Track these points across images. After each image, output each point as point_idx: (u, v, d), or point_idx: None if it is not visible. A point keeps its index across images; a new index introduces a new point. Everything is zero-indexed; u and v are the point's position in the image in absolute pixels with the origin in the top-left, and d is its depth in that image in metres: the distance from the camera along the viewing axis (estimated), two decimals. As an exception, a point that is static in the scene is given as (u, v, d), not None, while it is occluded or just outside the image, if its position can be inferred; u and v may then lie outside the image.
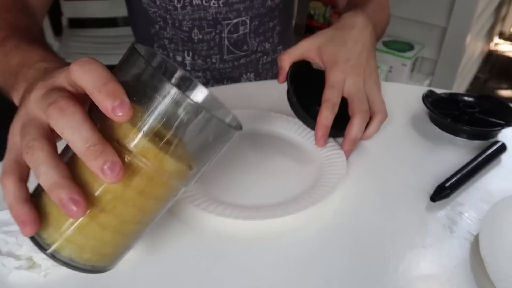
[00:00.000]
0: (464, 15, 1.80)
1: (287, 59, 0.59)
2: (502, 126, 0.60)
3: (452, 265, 0.43)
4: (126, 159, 0.29)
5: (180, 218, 0.46)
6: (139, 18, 0.79)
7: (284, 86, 0.58)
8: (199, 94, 0.38)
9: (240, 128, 0.33)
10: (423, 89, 0.66)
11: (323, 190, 0.49)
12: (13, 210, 0.30)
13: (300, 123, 0.59)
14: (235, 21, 0.75)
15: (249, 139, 0.59)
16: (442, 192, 0.50)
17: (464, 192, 0.52)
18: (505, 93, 2.49)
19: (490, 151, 0.56)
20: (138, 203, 0.31)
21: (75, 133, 0.28)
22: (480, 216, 0.48)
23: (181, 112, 0.29)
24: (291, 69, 0.58)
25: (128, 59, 0.30)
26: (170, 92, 0.28)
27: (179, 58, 0.79)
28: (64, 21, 1.90)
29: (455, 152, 0.58)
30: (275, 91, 0.64)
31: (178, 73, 0.38)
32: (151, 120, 0.29)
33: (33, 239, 0.31)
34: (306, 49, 0.58)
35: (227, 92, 0.72)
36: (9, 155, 0.32)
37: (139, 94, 0.29)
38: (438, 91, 0.66)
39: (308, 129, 0.58)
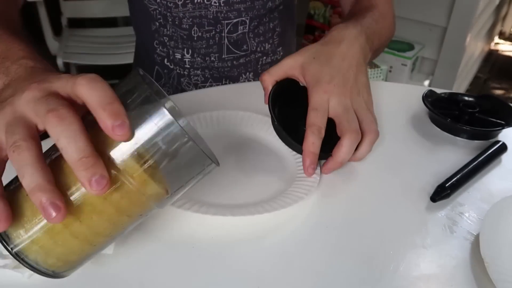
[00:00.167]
0: (464, 15, 1.81)
1: (268, 79, 0.55)
2: (502, 126, 0.60)
3: (452, 265, 0.43)
4: (112, 174, 0.30)
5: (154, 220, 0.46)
6: (140, 14, 0.79)
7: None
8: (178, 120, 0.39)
9: (218, 164, 0.35)
10: (423, 89, 0.66)
11: (300, 191, 0.48)
12: None
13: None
14: (235, 20, 0.75)
15: (227, 141, 0.57)
16: (442, 192, 0.50)
17: (464, 192, 0.52)
18: (505, 93, 2.49)
19: (490, 151, 0.56)
20: (113, 218, 0.32)
21: (70, 143, 0.29)
22: (481, 216, 0.48)
23: (173, 141, 0.31)
24: (275, 87, 0.55)
25: (130, 83, 0.32)
26: (167, 121, 0.30)
27: (178, 56, 0.79)
28: (64, 21, 1.90)
29: (455, 152, 0.58)
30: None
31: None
32: (143, 143, 0.31)
33: None
34: (289, 67, 0.55)
35: (224, 91, 0.72)
36: None
37: (136, 116, 0.31)
38: (438, 91, 0.66)
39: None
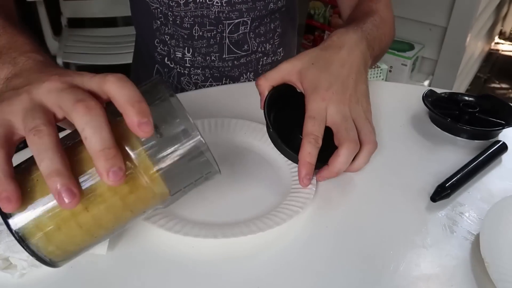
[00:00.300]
0: (464, 15, 1.81)
1: (264, 84, 0.53)
2: (503, 126, 0.60)
3: (452, 265, 0.43)
4: (127, 168, 0.32)
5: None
6: (141, 13, 0.79)
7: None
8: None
9: (220, 172, 0.37)
10: (423, 89, 0.66)
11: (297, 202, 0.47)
12: None
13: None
14: (236, 21, 0.75)
15: (220, 150, 0.52)
16: (443, 192, 0.50)
17: (464, 192, 0.52)
18: (505, 93, 2.49)
19: (490, 151, 0.56)
20: (118, 211, 0.33)
21: (96, 133, 0.30)
22: (481, 216, 0.48)
23: (193, 149, 0.33)
24: (271, 93, 0.52)
25: (153, 87, 0.34)
26: (189, 130, 0.33)
27: (179, 55, 0.79)
28: (64, 21, 1.90)
29: (455, 152, 0.58)
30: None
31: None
32: (163, 144, 0.33)
33: (4, 215, 0.31)
34: (286, 72, 0.52)
35: (224, 91, 0.72)
36: None
37: (159, 120, 0.33)
38: (438, 90, 0.66)
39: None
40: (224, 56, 0.79)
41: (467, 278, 0.41)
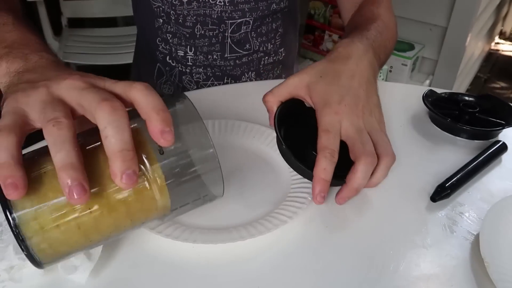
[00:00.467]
0: (464, 15, 1.80)
1: (272, 100, 0.51)
2: (503, 126, 0.60)
3: (452, 265, 0.43)
4: (140, 175, 0.32)
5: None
6: (143, 11, 0.79)
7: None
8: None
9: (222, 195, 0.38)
10: (423, 89, 0.66)
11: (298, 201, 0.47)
12: (7, 170, 0.29)
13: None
14: (239, 20, 0.75)
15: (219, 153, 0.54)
16: (442, 192, 0.50)
17: (464, 192, 0.52)
18: (505, 93, 2.49)
19: (490, 151, 0.56)
20: (120, 218, 0.33)
21: (118, 133, 0.30)
22: (481, 216, 0.48)
23: (203, 166, 0.34)
24: (280, 108, 0.50)
25: (177, 103, 0.36)
26: (205, 147, 0.34)
27: (181, 53, 0.79)
28: (64, 21, 1.90)
29: (455, 152, 0.58)
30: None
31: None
32: (176, 157, 0.34)
33: (4, 202, 0.30)
34: (294, 86, 0.51)
35: (225, 91, 0.72)
36: (10, 117, 0.32)
37: (178, 133, 0.33)
38: (438, 90, 0.66)
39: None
40: (226, 55, 0.79)
41: (467, 278, 0.41)
